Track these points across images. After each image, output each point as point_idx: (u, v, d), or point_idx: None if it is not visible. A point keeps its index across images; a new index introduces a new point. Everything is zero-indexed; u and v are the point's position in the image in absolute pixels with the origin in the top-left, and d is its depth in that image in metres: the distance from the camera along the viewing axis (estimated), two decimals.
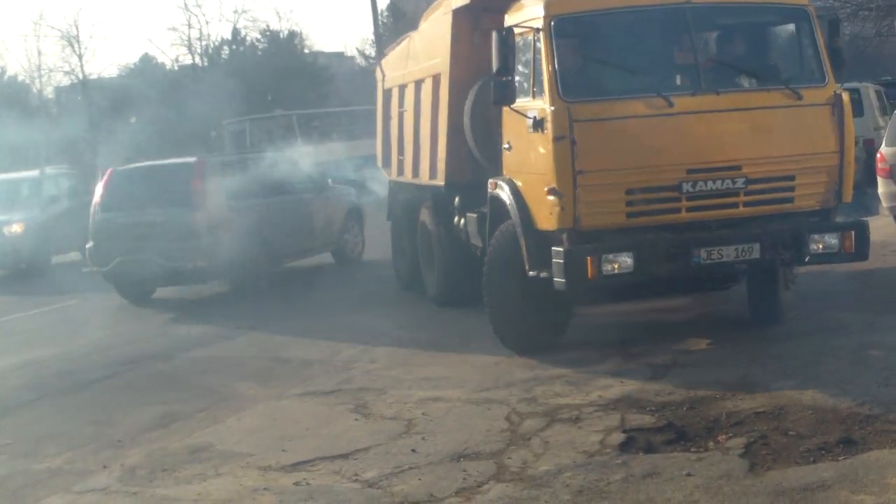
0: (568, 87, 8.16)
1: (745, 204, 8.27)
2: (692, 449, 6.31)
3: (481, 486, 5.98)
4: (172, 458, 7.04)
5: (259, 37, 59.87)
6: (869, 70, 40.33)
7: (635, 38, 8.80)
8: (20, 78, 53.60)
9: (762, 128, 8.25)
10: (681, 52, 8.59)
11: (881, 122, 20.68)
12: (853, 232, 8.42)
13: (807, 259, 8.39)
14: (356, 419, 7.59)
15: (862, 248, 8.48)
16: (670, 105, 8.03)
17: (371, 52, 53.47)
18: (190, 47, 55.06)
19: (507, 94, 8.41)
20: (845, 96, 8.40)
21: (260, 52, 59.54)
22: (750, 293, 9.55)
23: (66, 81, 53.50)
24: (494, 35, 8.33)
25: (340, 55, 67.91)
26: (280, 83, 51.70)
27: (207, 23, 72.55)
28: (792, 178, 8.31)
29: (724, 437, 6.44)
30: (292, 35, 60.46)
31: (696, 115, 8.14)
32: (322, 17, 76.98)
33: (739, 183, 8.16)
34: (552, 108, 8.08)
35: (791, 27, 8.95)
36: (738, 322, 9.69)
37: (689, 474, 5.86)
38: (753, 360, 8.19)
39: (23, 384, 9.81)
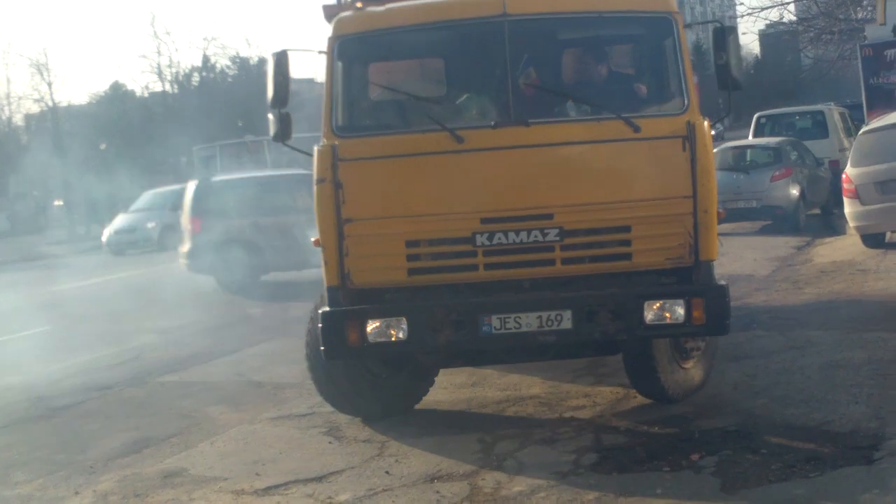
0: (345, 121, 7.01)
1: (565, 261, 6.73)
2: (664, 468, 6.34)
3: None
4: (145, 483, 7.00)
5: (229, 63, 60.02)
6: (832, 93, 40.89)
7: (438, 61, 7.87)
8: None
9: (583, 167, 6.75)
10: (493, 75, 7.11)
11: (846, 144, 21.06)
12: (703, 299, 6.67)
13: (639, 332, 6.74)
14: (329, 442, 7.58)
15: (716, 319, 6.69)
16: (458, 140, 6.69)
17: None
18: (160, 74, 55.09)
19: (282, 130, 7.12)
20: (702, 126, 6.69)
21: (230, 79, 59.66)
22: (624, 363, 7.86)
23: (35, 109, 53.35)
24: (269, 59, 7.16)
25: (311, 81, 68.04)
26: (250, 109, 51.82)
27: (177, 50, 72.39)
28: (627, 230, 6.71)
29: (696, 456, 6.48)
30: (262, 61, 60.62)
31: (494, 151, 6.72)
32: (291, 44, 77.22)
33: (552, 235, 6.66)
34: (319, 145, 6.90)
35: (648, 41, 7.48)
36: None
37: (661, 493, 5.90)
38: (723, 379, 8.24)
39: None
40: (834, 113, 23.42)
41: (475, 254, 6.73)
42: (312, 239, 7.05)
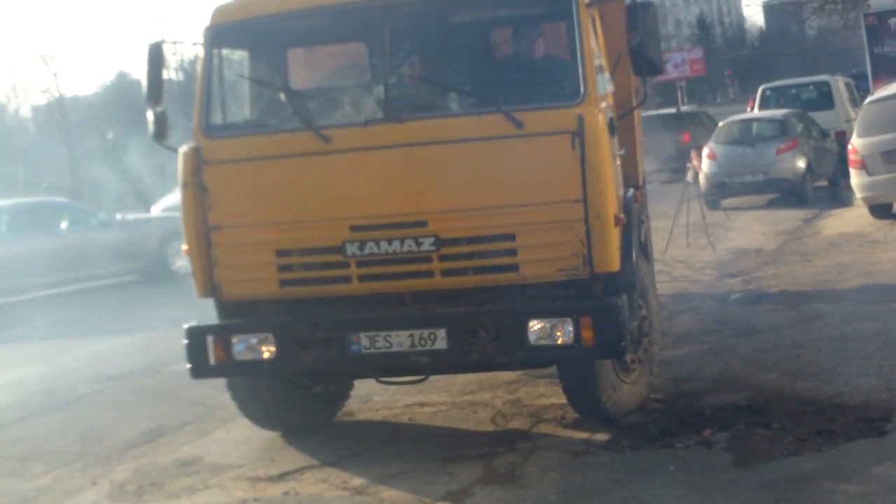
0: (215, 120, 6.58)
1: (445, 272, 6.16)
2: (676, 445, 6.37)
3: (469, 489, 6.03)
4: (161, 472, 7.06)
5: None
6: (838, 63, 40.69)
7: (322, 51, 7.44)
8: None
9: (460, 168, 6.09)
10: (372, 65, 6.64)
11: (852, 114, 20.99)
12: (592, 318, 5.98)
13: (521, 354, 6.14)
14: (343, 426, 7.62)
15: (607, 340, 5.99)
16: (324, 140, 6.17)
17: None
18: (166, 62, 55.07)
19: (158, 129, 6.59)
20: (594, 119, 5.94)
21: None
22: (560, 378, 6.93)
23: (42, 100, 53.46)
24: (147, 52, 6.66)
25: None
26: None
27: (182, 42, 72.37)
28: (511, 238, 6.08)
29: (707, 432, 6.50)
30: None
31: (363, 152, 6.17)
32: None
33: (427, 244, 6.07)
34: (185, 146, 6.47)
35: (545, 23, 6.93)
36: (719, 316, 9.80)
37: (674, 470, 5.93)
38: (734, 354, 8.28)
39: (8, 403, 9.79)
40: (839, 83, 23.34)
41: (347, 264, 6.24)
42: (183, 247, 6.60)
